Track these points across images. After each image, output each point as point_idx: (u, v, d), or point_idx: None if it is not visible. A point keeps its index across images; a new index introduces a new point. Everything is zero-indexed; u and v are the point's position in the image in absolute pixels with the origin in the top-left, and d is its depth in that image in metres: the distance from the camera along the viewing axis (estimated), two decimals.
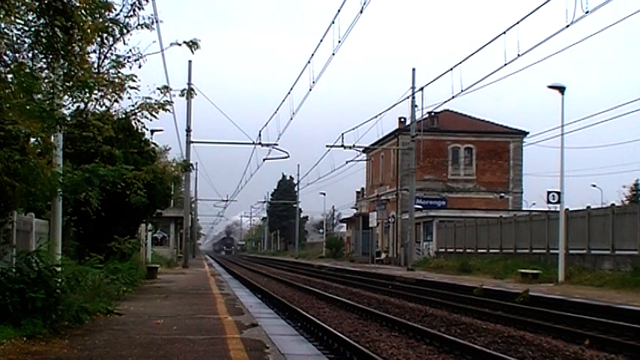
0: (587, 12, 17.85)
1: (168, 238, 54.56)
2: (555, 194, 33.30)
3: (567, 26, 18.72)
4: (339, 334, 14.86)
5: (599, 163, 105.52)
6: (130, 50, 16.28)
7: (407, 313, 20.90)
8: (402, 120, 64.89)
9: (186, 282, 28.39)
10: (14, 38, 10.98)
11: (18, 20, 10.71)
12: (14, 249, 13.64)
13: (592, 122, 49.67)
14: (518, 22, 21.33)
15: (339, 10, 21.65)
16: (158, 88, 18.06)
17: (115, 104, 16.79)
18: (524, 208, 61.73)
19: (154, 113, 17.79)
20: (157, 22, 16.31)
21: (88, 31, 11.55)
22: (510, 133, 66.12)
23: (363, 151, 60.24)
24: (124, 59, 16.20)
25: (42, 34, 10.52)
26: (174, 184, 35.23)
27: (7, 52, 11.08)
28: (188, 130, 45.97)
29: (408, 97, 44.88)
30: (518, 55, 22.01)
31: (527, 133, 63.80)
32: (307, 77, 28.08)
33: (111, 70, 15.93)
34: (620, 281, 27.38)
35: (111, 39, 14.84)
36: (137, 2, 15.24)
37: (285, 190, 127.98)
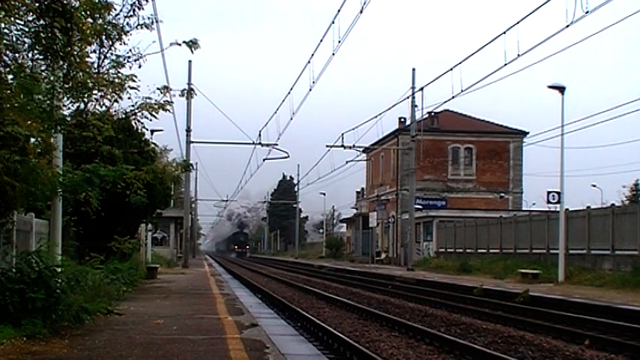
0: (587, 12, 17.87)
1: (168, 238, 54.57)
2: (555, 194, 33.32)
3: (567, 26, 18.73)
4: (339, 334, 14.86)
5: (599, 163, 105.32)
6: (130, 50, 16.31)
7: (407, 313, 20.90)
8: (402, 120, 64.89)
9: (186, 282, 28.39)
10: (14, 39, 10.99)
11: (18, 21, 10.72)
12: (15, 249, 13.65)
13: (592, 122, 49.89)
14: (518, 22, 21.35)
15: (339, 10, 21.67)
16: (158, 88, 18.06)
17: (115, 104, 16.81)
18: (524, 208, 61.73)
19: (153, 113, 17.79)
20: (156, 22, 16.36)
21: (87, 32, 11.55)
22: (510, 133, 66.13)
23: (363, 151, 60.25)
24: (124, 59, 16.22)
25: (41, 35, 10.53)
26: (174, 184, 35.22)
27: (7, 53, 11.09)
28: (188, 130, 45.99)
29: (408, 97, 44.91)
30: (518, 55, 22.04)
31: (527, 133, 63.87)
32: (307, 77, 28.13)
33: (111, 70, 15.94)
34: (620, 281, 27.38)
35: (110, 40, 14.88)
36: (137, 2, 15.27)
37: (285, 190, 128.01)
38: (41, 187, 12.80)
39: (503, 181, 65.62)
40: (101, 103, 16.12)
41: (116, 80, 15.59)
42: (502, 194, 64.27)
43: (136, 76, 15.93)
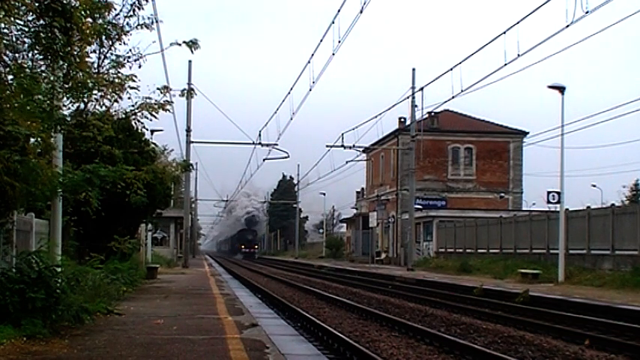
0: (587, 12, 17.87)
1: (168, 238, 54.57)
2: (555, 194, 33.32)
3: (567, 26, 18.73)
4: (339, 334, 14.87)
5: (599, 163, 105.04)
6: (130, 50, 16.30)
7: (407, 313, 20.90)
8: (402, 120, 64.89)
9: (187, 282, 28.40)
10: (14, 39, 10.98)
11: (17, 21, 10.72)
12: (15, 249, 13.65)
13: (592, 122, 49.82)
14: (518, 22, 21.35)
15: (339, 10, 21.67)
16: (158, 88, 18.04)
17: (115, 104, 16.79)
18: (524, 208, 61.72)
19: (153, 113, 17.78)
20: (156, 22, 16.36)
21: (87, 32, 11.55)
22: (510, 133, 66.13)
23: (363, 151, 60.23)
24: (124, 59, 16.22)
25: (41, 35, 10.53)
26: (174, 184, 35.22)
27: (7, 53, 11.09)
28: (188, 130, 46.00)
29: (408, 97, 44.90)
30: (518, 55, 22.03)
31: (527, 133, 63.87)
32: (307, 77, 28.13)
33: (111, 70, 15.94)
34: (620, 281, 27.38)
35: (110, 40, 14.88)
36: (137, 2, 15.28)
37: (285, 190, 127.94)
38: (41, 187, 12.79)
39: (503, 181, 65.62)
40: (101, 103, 16.12)
41: (116, 80, 15.58)
42: (502, 194, 64.26)
43: (136, 76, 15.94)
